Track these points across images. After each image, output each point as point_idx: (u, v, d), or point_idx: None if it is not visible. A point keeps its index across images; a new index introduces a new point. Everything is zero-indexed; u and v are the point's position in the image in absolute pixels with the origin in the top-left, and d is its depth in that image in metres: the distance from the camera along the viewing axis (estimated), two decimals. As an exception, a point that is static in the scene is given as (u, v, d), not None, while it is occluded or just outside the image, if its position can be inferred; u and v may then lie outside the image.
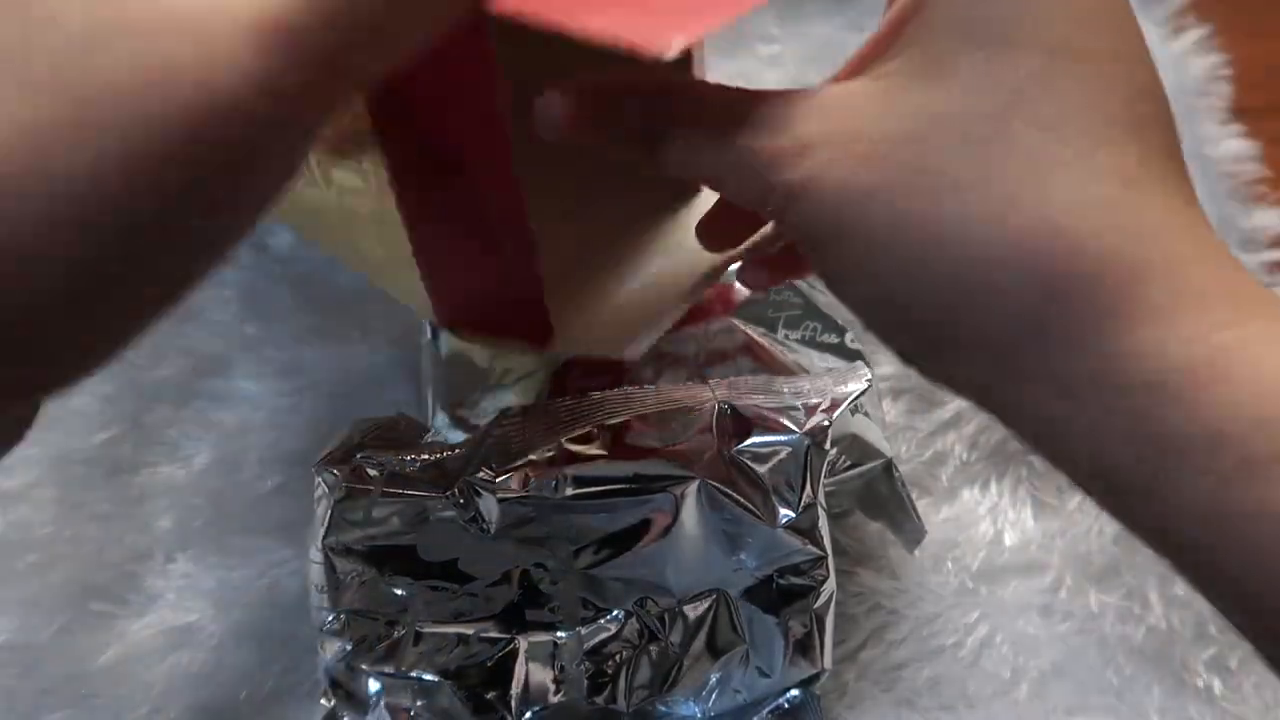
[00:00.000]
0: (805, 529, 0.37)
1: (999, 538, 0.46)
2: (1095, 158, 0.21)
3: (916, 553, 0.45)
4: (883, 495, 0.43)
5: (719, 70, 0.57)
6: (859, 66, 0.25)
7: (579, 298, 0.38)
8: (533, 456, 0.36)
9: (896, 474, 0.42)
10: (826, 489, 0.39)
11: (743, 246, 0.36)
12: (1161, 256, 0.20)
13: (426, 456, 0.38)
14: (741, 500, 0.37)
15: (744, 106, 0.24)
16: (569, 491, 0.36)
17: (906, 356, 0.24)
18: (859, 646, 0.44)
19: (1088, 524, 0.46)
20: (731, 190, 0.25)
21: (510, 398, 0.43)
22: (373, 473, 0.37)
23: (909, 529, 0.43)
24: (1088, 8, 0.22)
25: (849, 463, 0.41)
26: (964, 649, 0.44)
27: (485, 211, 0.32)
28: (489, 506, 0.36)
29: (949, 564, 0.46)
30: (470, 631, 0.38)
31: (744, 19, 0.58)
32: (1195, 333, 0.20)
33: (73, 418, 0.49)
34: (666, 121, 0.25)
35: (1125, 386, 0.20)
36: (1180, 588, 0.45)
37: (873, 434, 0.42)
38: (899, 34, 0.23)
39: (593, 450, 0.36)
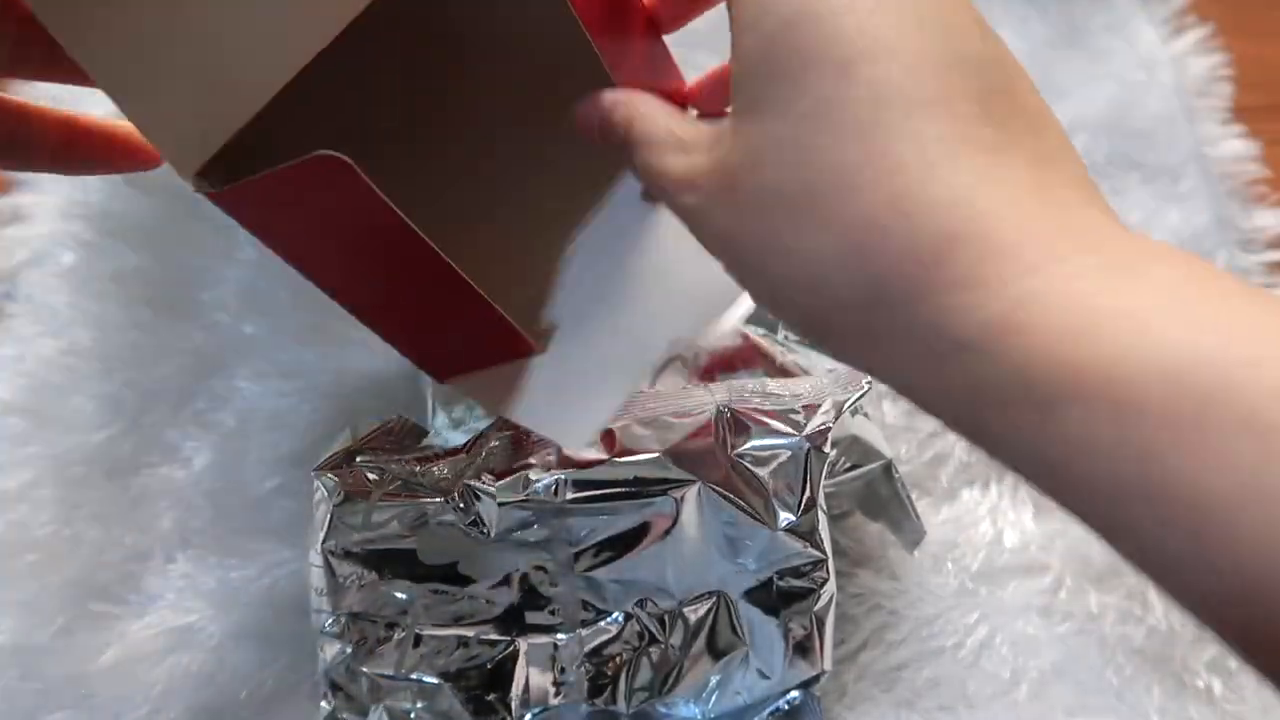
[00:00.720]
0: (805, 532, 0.37)
1: (999, 538, 0.46)
2: (893, 152, 0.22)
3: (916, 553, 0.45)
4: (883, 496, 0.43)
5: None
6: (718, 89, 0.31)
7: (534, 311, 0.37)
8: (532, 460, 0.36)
9: (896, 475, 0.42)
10: (826, 490, 0.39)
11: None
12: (965, 221, 0.22)
13: (426, 460, 0.38)
14: (742, 504, 0.37)
15: (663, 128, 0.28)
16: (569, 495, 0.36)
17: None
18: (859, 647, 0.44)
19: (1088, 524, 0.46)
20: (656, 195, 0.29)
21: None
22: (372, 477, 0.37)
23: (909, 530, 0.43)
24: (877, 14, 0.23)
25: (849, 464, 0.41)
26: (964, 650, 0.44)
27: (411, 267, 0.32)
28: (489, 510, 0.36)
29: (949, 565, 0.46)
30: (470, 634, 0.38)
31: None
32: (994, 291, 0.21)
33: (72, 417, 0.49)
34: (623, 131, 0.30)
35: (945, 353, 0.22)
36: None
37: (873, 435, 0.42)
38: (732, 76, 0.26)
39: (593, 454, 0.36)
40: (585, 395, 0.35)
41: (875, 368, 0.25)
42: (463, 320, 0.34)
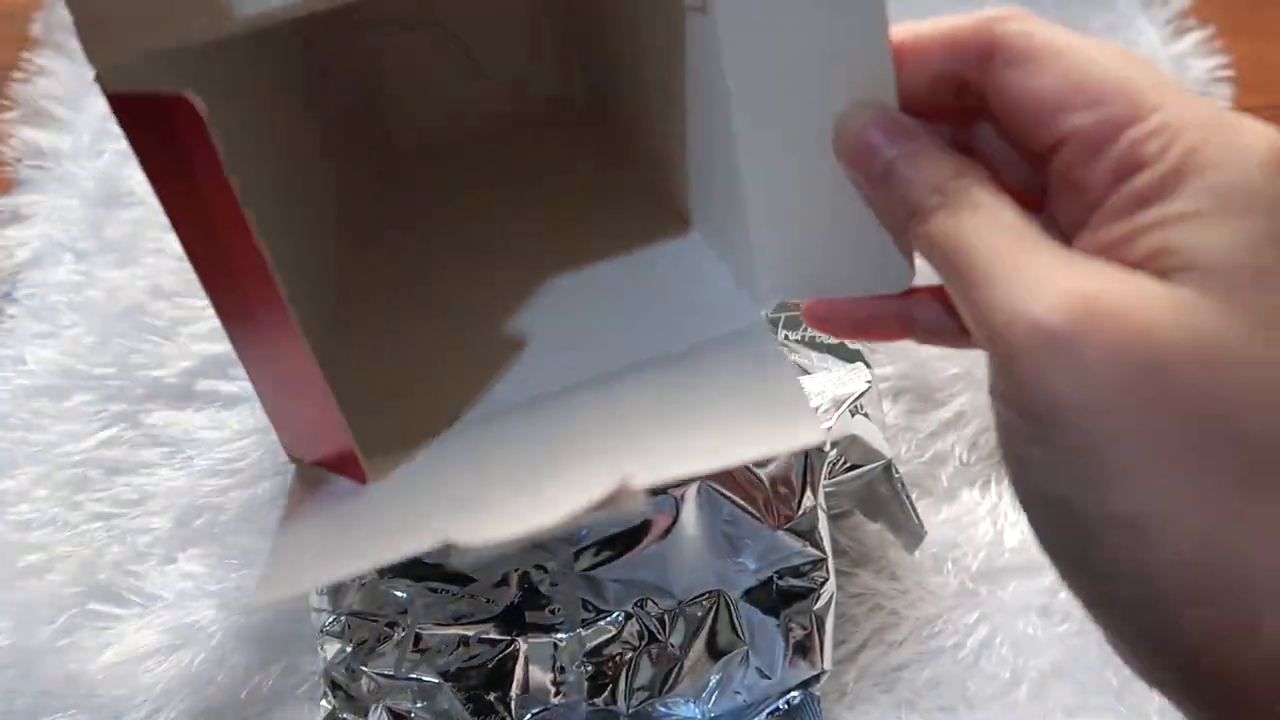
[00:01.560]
0: (805, 531, 0.37)
1: (999, 538, 0.46)
2: None
3: (916, 554, 0.45)
4: (883, 496, 0.43)
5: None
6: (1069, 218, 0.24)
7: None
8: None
9: (896, 475, 0.42)
10: (826, 490, 0.39)
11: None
12: None
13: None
14: (741, 503, 0.37)
15: (1012, 250, 0.22)
16: (569, 493, 0.36)
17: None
18: (859, 648, 0.44)
19: (1088, 525, 0.46)
20: (958, 307, 0.23)
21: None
22: (373, 475, 0.37)
23: (909, 530, 0.43)
24: None
25: (849, 464, 0.41)
26: (964, 650, 0.44)
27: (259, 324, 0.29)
28: (489, 509, 0.36)
29: (949, 565, 0.46)
30: (470, 633, 0.38)
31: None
32: None
33: (72, 418, 0.49)
34: (937, 209, 0.23)
35: None
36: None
37: (873, 435, 0.42)
38: (1167, 237, 0.21)
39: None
40: (331, 552, 0.28)
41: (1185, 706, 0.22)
42: (306, 396, 0.29)
